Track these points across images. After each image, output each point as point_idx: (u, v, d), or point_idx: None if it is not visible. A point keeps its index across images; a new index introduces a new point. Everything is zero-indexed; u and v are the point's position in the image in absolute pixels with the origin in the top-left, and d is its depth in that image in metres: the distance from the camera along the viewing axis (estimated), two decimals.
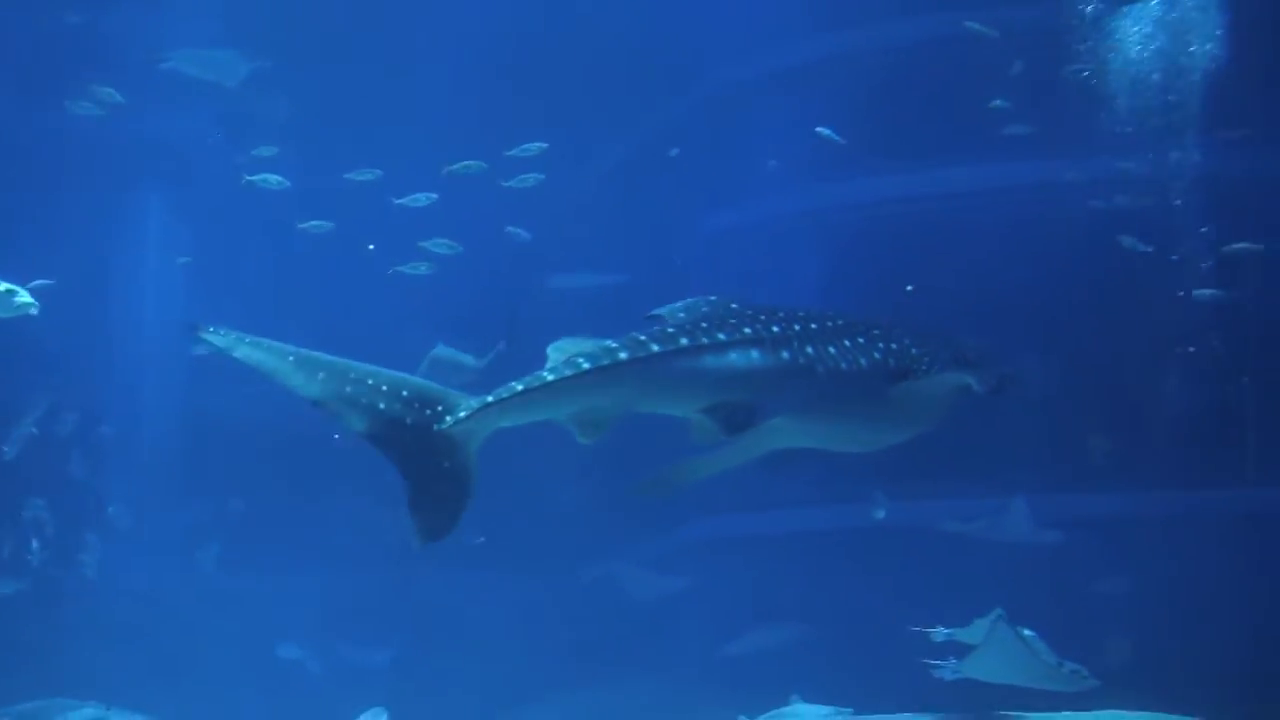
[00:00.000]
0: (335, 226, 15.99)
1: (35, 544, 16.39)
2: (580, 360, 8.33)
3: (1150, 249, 15.02)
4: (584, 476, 16.37)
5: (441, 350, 16.38)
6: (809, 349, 9.04)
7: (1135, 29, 14.94)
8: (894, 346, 9.42)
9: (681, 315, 8.92)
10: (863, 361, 9.22)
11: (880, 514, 14.70)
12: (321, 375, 8.10)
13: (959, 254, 16.70)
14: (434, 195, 15.28)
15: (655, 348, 8.55)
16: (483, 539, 17.11)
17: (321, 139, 17.25)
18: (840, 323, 9.36)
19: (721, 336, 8.75)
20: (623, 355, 8.44)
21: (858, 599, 15.83)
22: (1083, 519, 15.69)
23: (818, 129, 15.78)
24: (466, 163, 14.91)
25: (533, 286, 17.73)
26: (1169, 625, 14.50)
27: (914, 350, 9.45)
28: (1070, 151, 16.04)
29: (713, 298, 9.11)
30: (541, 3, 17.53)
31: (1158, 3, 14.86)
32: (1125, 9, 14.99)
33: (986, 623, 10.73)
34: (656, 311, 8.85)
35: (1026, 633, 10.82)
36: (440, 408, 8.14)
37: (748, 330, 8.85)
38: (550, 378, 8.25)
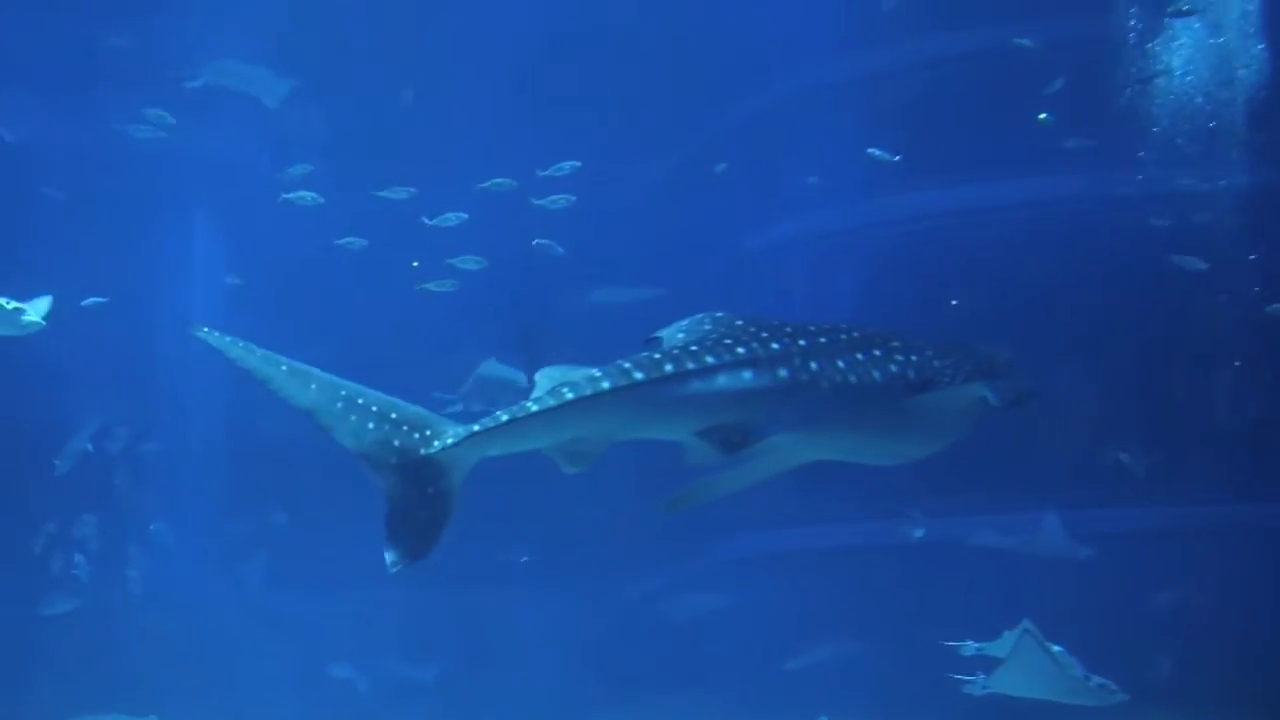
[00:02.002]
0: (373, 244, 16.29)
1: (83, 560, 16.76)
2: (565, 390, 8.38)
3: (1203, 266, 15.10)
4: (624, 493, 16.58)
5: (491, 366, 16.57)
6: (813, 365, 8.94)
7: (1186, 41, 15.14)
8: (914, 358, 9.33)
9: (680, 336, 8.93)
10: (876, 375, 9.13)
11: (918, 533, 14.82)
12: (313, 387, 8.30)
13: (1001, 268, 16.83)
14: (464, 215, 15.60)
15: (639, 376, 8.53)
16: (528, 557, 17.40)
17: (359, 156, 17.59)
18: (857, 335, 9.29)
19: (710, 360, 8.72)
20: (605, 385, 8.42)
21: (894, 615, 16.00)
22: (1127, 533, 15.80)
23: (869, 150, 15.95)
24: (497, 180, 15.22)
25: (574, 301, 17.95)
26: (1213, 640, 14.58)
27: (936, 362, 9.37)
28: (1116, 165, 16.17)
29: (719, 314, 9.05)
30: (585, 19, 17.72)
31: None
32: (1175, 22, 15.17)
33: (1013, 636, 10.87)
34: (657, 334, 8.85)
35: (1055, 648, 10.93)
36: (429, 433, 8.28)
37: (741, 350, 8.79)
38: (534, 408, 8.30)
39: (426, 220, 15.62)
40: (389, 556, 8.08)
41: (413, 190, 15.93)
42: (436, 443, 8.24)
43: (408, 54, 18.03)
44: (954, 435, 9.94)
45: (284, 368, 8.30)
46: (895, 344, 9.41)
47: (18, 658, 16.80)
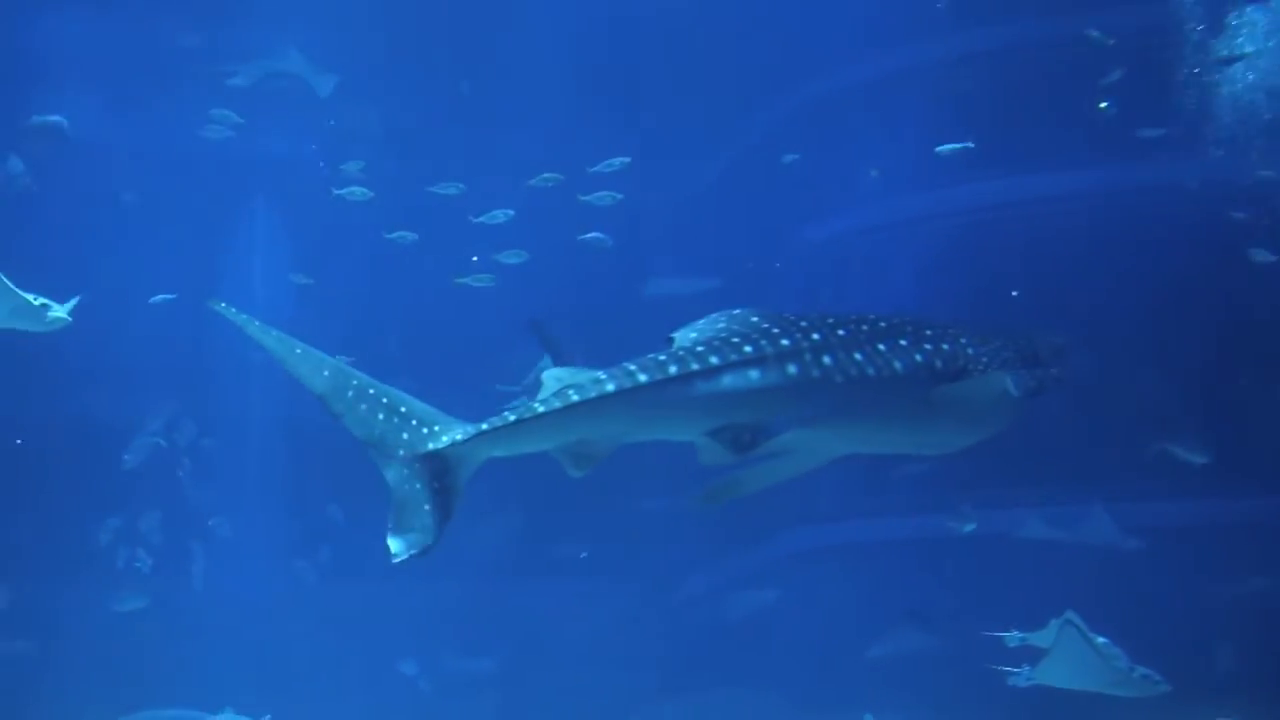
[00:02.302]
0: (435, 238, 16.41)
1: (145, 554, 17.00)
2: (570, 392, 8.42)
3: (1272, 257, 14.94)
4: (683, 487, 16.57)
5: (547, 363, 16.66)
6: (826, 359, 8.89)
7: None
8: (945, 347, 9.26)
9: (694, 335, 8.92)
10: (897, 366, 9.04)
11: (969, 527, 14.70)
12: (326, 373, 8.42)
13: (1063, 258, 16.70)
14: (510, 211, 15.73)
15: (643, 378, 8.54)
16: (585, 554, 17.44)
17: (419, 151, 17.73)
18: (883, 326, 9.23)
19: (714, 360, 8.72)
20: (610, 387, 8.46)
21: (951, 609, 15.91)
22: (1188, 526, 15.64)
23: (939, 149, 15.89)
24: (545, 175, 15.30)
25: (627, 294, 17.97)
26: (1271, 635, 14.41)
27: (970, 350, 9.29)
28: (1181, 155, 16.01)
29: (736, 311, 9.08)
30: (644, 7, 17.73)
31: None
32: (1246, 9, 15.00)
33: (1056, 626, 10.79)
34: (672, 334, 8.85)
35: (1099, 639, 10.83)
36: (436, 428, 8.37)
37: (748, 349, 8.78)
38: (541, 409, 8.34)
39: (473, 218, 15.75)
40: (394, 546, 8.15)
41: (461, 186, 16.06)
42: (445, 438, 8.33)
43: (463, 48, 18.13)
44: (996, 423, 9.82)
45: (298, 351, 8.41)
46: (927, 333, 9.33)
47: (83, 651, 17.10)
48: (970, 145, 15.85)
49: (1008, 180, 17.39)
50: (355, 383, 8.44)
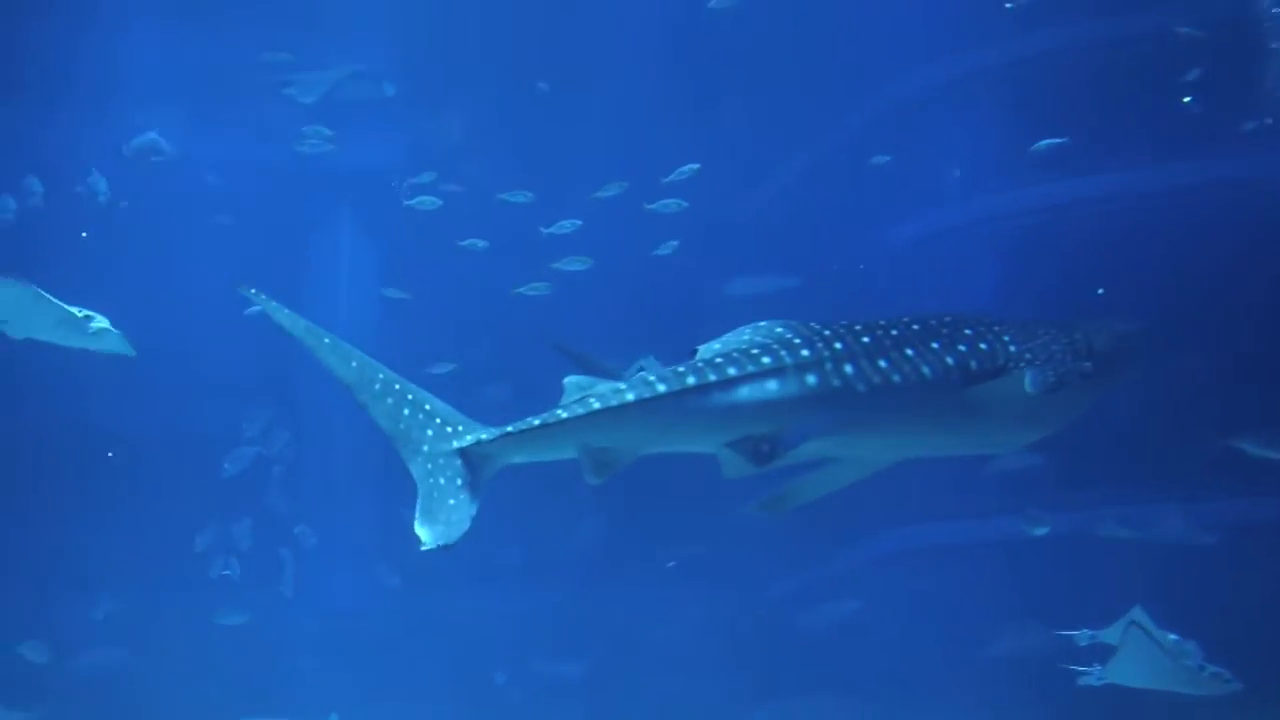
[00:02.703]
0: (525, 244, 16.56)
1: (239, 562, 17.27)
2: (592, 400, 8.68)
3: None
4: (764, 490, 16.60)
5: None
6: (848, 368, 9.02)
7: None
8: (983, 347, 9.29)
9: (717, 347, 9.11)
10: (926, 371, 9.14)
11: (1041, 530, 14.59)
12: (354, 365, 8.78)
13: (1148, 255, 16.52)
14: (578, 221, 15.94)
15: (662, 388, 8.79)
16: (673, 562, 17.49)
17: (505, 160, 17.91)
18: (916, 329, 9.29)
19: (732, 371, 8.89)
20: (630, 396, 8.73)
21: (1041, 610, 15.78)
22: (1260, 523, 15.46)
23: (1035, 145, 15.83)
24: (611, 185, 15.45)
25: (710, 293, 18.01)
26: None
27: (1012, 348, 9.31)
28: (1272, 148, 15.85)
29: (762, 323, 9.27)
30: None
31: None
32: None
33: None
34: (696, 347, 9.06)
35: (1170, 636, 10.74)
36: (460, 428, 8.70)
37: (767, 360, 8.94)
38: (564, 415, 8.63)
39: (543, 229, 15.95)
40: (423, 535, 8.45)
41: (529, 195, 16.25)
42: (469, 437, 8.66)
43: (540, 54, 18.26)
44: (1053, 419, 9.78)
45: (327, 341, 8.81)
46: (967, 332, 9.38)
47: (178, 659, 17.40)
48: (1065, 141, 15.79)
49: (1094, 177, 17.23)
50: (382, 377, 8.77)
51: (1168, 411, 15.84)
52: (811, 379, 8.98)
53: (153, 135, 16.75)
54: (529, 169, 17.52)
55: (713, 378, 8.87)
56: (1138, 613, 10.64)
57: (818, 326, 9.26)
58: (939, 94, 18.13)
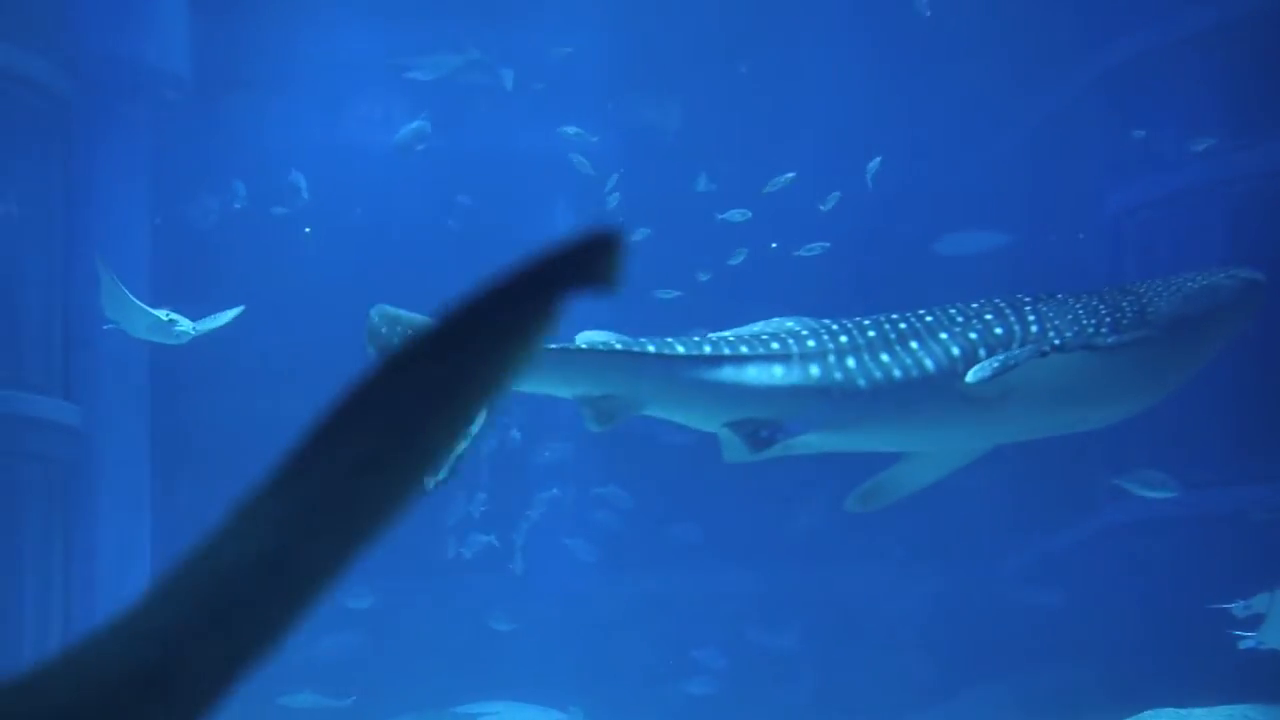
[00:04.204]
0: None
1: (469, 546, 17.61)
2: (614, 343, 9.16)
3: None
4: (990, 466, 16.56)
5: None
6: (850, 362, 9.32)
7: None
8: (999, 332, 9.45)
9: (729, 335, 9.56)
10: (929, 364, 9.38)
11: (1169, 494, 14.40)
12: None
13: None
14: (748, 212, 16.28)
15: (680, 349, 9.27)
16: (900, 551, 17.48)
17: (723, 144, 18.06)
18: (930, 321, 9.55)
19: (744, 349, 9.30)
20: (650, 348, 9.23)
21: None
22: None
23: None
24: (780, 178, 15.62)
25: (922, 254, 18.02)
26: None
27: (1035, 328, 9.46)
28: None
29: (775, 319, 9.67)
30: None
31: None
32: None
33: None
34: (709, 335, 9.52)
35: None
36: None
37: (776, 346, 9.32)
38: (584, 345, 9.13)
39: (717, 214, 16.22)
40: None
41: (712, 185, 16.73)
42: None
43: (747, 34, 18.38)
44: (1146, 386, 9.78)
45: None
46: (988, 317, 9.59)
47: (415, 643, 17.81)
48: None
49: None
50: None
51: None
52: (815, 370, 9.34)
53: (420, 123, 16.99)
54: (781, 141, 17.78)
55: (726, 351, 9.29)
56: None
57: (829, 323, 9.60)
58: (1160, 58, 17.87)
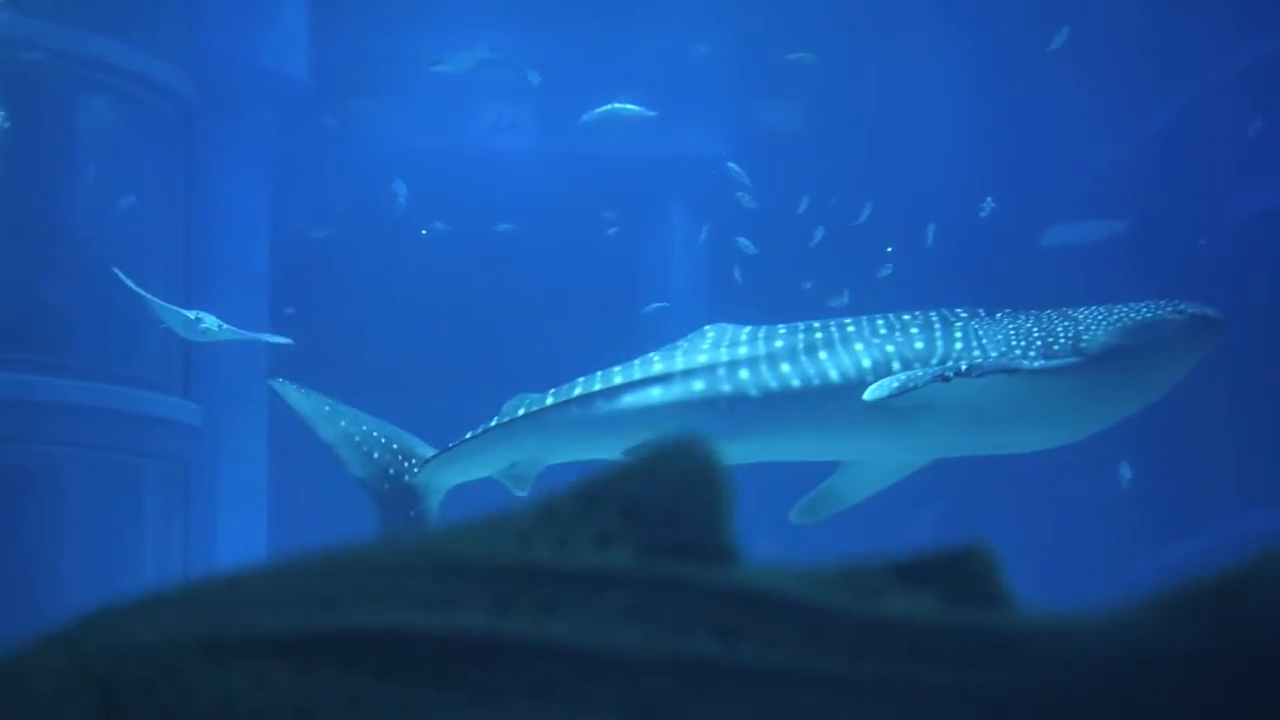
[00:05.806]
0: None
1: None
2: (491, 420, 9.58)
3: None
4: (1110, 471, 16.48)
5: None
6: (744, 373, 9.32)
7: None
8: (919, 346, 9.31)
9: (684, 344, 9.71)
10: (834, 375, 9.30)
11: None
12: (342, 424, 9.92)
13: None
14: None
15: (549, 401, 9.50)
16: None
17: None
18: (850, 330, 9.47)
19: (618, 379, 9.44)
20: (520, 411, 9.52)
21: None
22: None
23: None
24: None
25: (1027, 246, 17.92)
26: None
27: (960, 346, 9.31)
28: None
29: (706, 327, 9.84)
30: None
31: None
32: None
33: None
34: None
35: None
36: (414, 460, 9.72)
37: (658, 367, 9.42)
38: (468, 436, 9.61)
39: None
40: None
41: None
42: (417, 469, 9.70)
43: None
44: (1075, 415, 9.50)
45: (326, 408, 10.09)
46: (914, 330, 9.47)
47: None
48: None
49: None
50: (364, 426, 9.97)
51: None
52: (699, 385, 9.37)
53: (615, 105, 16.95)
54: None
55: (598, 386, 9.49)
56: None
57: (755, 329, 9.63)
58: None
